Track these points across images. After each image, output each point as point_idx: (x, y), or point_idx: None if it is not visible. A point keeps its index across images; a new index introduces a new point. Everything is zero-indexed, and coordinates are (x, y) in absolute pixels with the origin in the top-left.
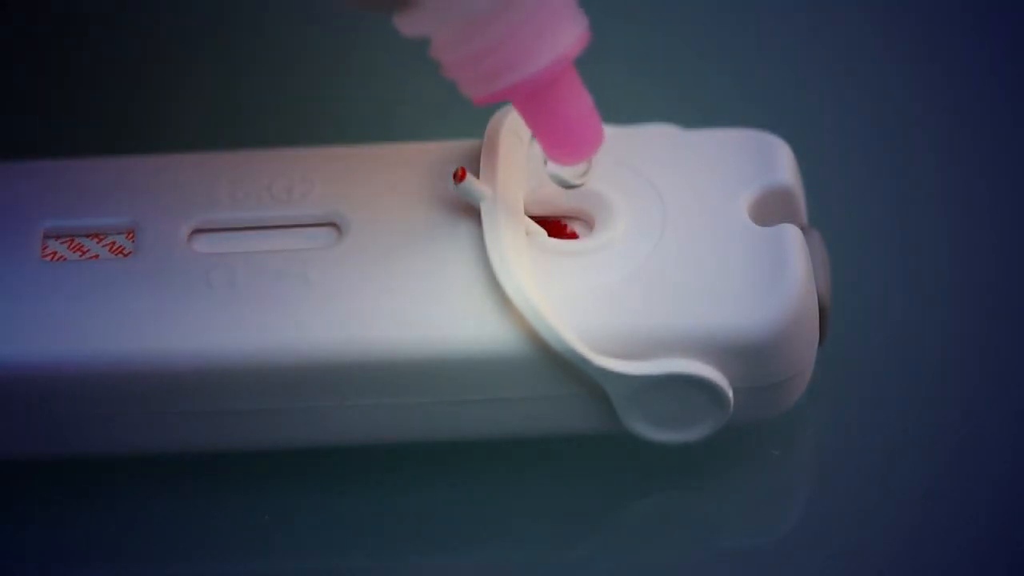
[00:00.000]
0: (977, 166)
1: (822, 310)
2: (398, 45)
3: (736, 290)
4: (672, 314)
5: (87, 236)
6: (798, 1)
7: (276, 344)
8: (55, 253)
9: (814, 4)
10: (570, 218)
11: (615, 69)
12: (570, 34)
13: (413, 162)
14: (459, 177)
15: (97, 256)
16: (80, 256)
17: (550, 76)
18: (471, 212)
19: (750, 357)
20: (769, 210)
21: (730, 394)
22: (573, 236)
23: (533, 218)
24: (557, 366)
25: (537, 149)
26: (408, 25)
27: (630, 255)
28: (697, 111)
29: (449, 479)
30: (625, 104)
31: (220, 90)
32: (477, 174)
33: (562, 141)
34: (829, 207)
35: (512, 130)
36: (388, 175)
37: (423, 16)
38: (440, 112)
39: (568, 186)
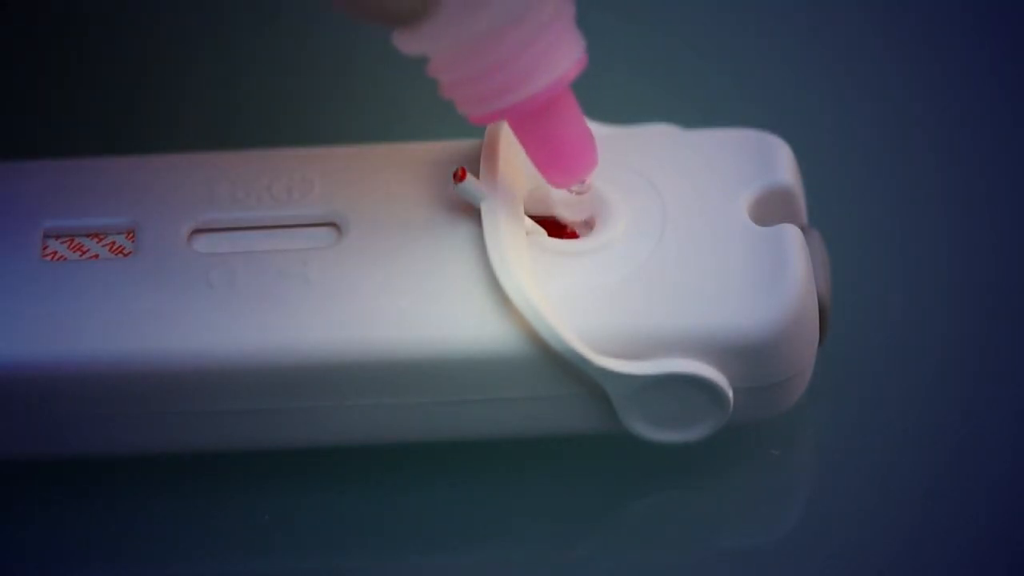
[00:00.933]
0: (977, 166)
1: (822, 310)
2: None
3: (736, 290)
4: (672, 314)
5: (87, 236)
6: (798, 1)
7: (276, 344)
8: (55, 253)
9: (814, 4)
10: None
11: (615, 69)
12: (568, 58)
13: (413, 162)
14: (459, 177)
15: (97, 256)
16: (80, 256)
17: (546, 99)
18: (471, 212)
19: (750, 357)
20: (769, 210)
21: (730, 394)
22: (573, 236)
23: (533, 218)
24: (557, 366)
25: None
26: (407, 44)
27: (630, 255)
28: (697, 111)
29: (449, 479)
30: (625, 104)
31: (220, 90)
32: (477, 174)
33: (556, 162)
34: (829, 207)
35: (512, 130)
36: (388, 175)
37: (422, 36)
38: (440, 112)
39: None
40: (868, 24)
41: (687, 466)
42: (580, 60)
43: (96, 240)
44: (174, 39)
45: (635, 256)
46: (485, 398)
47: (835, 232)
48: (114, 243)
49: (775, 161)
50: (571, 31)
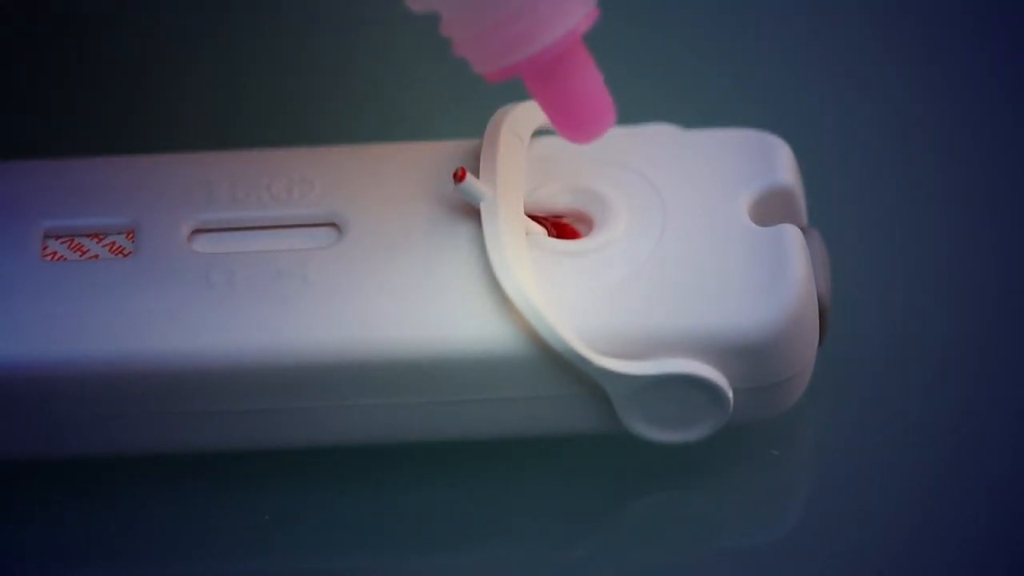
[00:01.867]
0: (977, 166)
1: (822, 310)
2: (398, 44)
3: (736, 290)
4: (672, 314)
5: (87, 236)
6: (798, 2)
7: (276, 344)
8: (55, 253)
9: (814, 5)
10: (570, 218)
11: (615, 69)
12: (581, 8)
13: (413, 162)
14: (459, 177)
15: (97, 256)
16: (80, 256)
17: (562, 49)
18: (471, 212)
19: (750, 357)
20: (769, 210)
21: (730, 394)
22: (573, 236)
23: (533, 218)
24: (557, 366)
25: (536, 149)
26: (418, 0)
27: (630, 255)
28: (697, 111)
29: (449, 479)
30: (625, 104)
31: (220, 90)
32: (477, 174)
33: (574, 117)
34: (829, 207)
35: (511, 130)
36: (388, 175)
37: None
38: (440, 112)
39: None
40: (868, 25)
41: (687, 466)
42: (592, 11)
43: (96, 240)
44: (174, 39)
45: (635, 256)
46: (485, 398)
47: (835, 232)
48: (114, 243)
49: (775, 161)
50: None
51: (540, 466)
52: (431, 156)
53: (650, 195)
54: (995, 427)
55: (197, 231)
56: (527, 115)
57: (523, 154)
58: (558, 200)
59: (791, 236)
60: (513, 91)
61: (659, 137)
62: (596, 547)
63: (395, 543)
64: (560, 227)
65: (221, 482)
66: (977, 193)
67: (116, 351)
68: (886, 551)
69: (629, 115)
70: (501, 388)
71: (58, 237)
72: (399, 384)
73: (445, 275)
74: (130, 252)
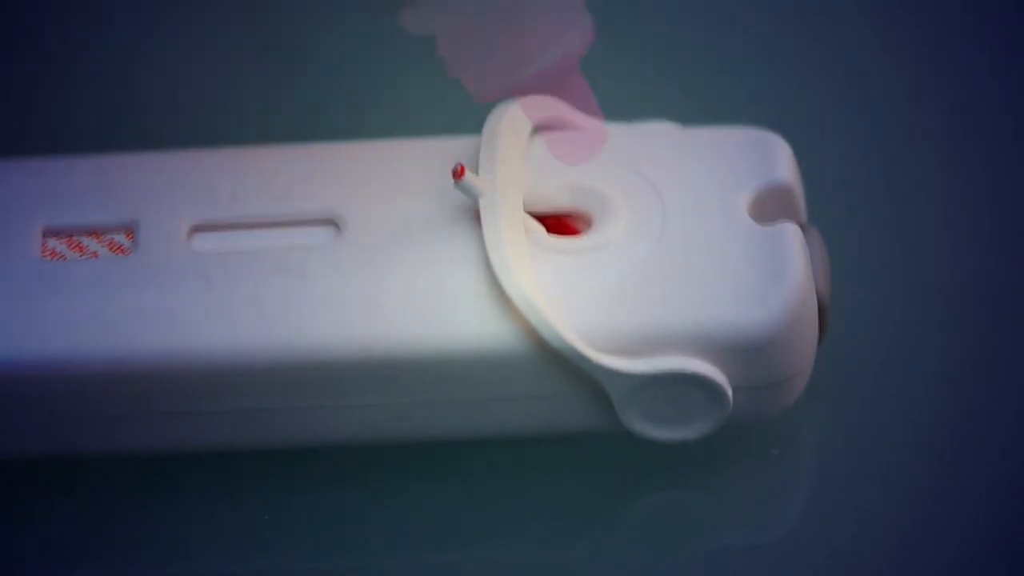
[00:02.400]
0: (977, 166)
1: (822, 309)
2: (397, 42)
3: (736, 288)
4: (671, 312)
5: (87, 234)
6: (798, 2)
7: (275, 342)
8: (55, 252)
9: (814, 4)
10: (569, 216)
11: (615, 68)
12: (576, 33)
13: (412, 159)
14: (458, 174)
15: (96, 255)
16: (80, 255)
17: (555, 74)
18: (470, 209)
19: (750, 355)
20: (769, 208)
21: (729, 392)
22: (573, 233)
23: (532, 215)
24: (556, 364)
25: (536, 146)
26: (414, 22)
27: (630, 253)
28: (697, 109)
29: (449, 479)
30: (625, 102)
31: (221, 89)
32: (476, 171)
33: (567, 139)
34: (829, 205)
35: (511, 127)
36: (387, 172)
37: (428, 13)
38: (439, 109)
39: None
40: (868, 25)
41: (687, 466)
42: (588, 36)
43: (95, 239)
44: (173, 38)
45: (634, 254)
46: (485, 397)
47: (835, 231)
48: (113, 241)
49: (774, 159)
50: (578, 7)
51: (540, 466)
52: (430, 153)
53: (649, 193)
54: (995, 427)
55: (196, 229)
56: (526, 113)
57: (522, 151)
58: (557, 198)
59: (791, 234)
60: None
61: (658, 135)
62: (596, 546)
63: (395, 543)
64: (559, 225)
65: (221, 482)
66: (977, 193)
67: (116, 350)
68: (886, 551)
69: (629, 113)
70: (500, 386)
71: (57, 236)
72: (399, 383)
73: (444, 272)
74: (129, 250)
